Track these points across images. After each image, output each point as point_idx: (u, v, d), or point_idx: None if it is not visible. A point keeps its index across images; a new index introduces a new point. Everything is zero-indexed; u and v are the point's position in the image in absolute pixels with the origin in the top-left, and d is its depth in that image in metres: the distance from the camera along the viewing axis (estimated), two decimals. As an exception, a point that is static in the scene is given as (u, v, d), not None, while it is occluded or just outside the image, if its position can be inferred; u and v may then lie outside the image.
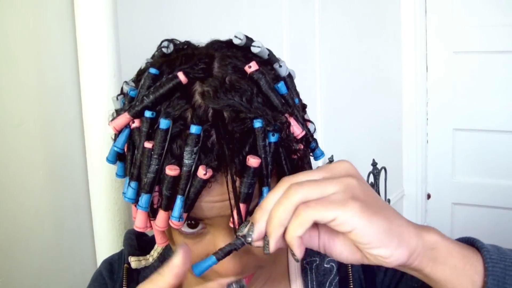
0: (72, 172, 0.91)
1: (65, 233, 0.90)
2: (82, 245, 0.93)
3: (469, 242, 0.52)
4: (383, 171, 1.82)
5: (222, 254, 0.49)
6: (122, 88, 0.60)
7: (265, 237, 0.46)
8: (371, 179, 1.77)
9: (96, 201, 0.91)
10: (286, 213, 0.44)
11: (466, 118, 2.44)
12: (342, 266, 0.67)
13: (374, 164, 1.78)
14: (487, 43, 2.34)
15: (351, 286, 0.65)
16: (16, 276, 0.84)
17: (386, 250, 0.44)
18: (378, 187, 1.79)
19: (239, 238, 0.48)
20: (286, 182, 0.46)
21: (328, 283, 0.66)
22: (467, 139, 2.46)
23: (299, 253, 0.45)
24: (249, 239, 0.46)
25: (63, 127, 0.88)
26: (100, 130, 0.87)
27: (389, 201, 2.01)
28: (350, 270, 0.66)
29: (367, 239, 0.43)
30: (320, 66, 1.70)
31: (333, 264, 0.67)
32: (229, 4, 1.29)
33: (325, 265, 0.67)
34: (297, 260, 0.46)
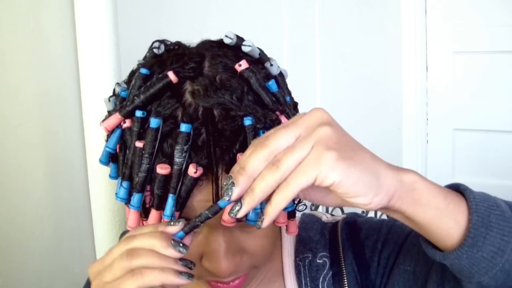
0: (72, 172, 0.91)
1: (65, 233, 0.90)
2: (82, 245, 0.93)
3: (454, 188, 0.52)
4: (383, 171, 1.82)
5: (189, 228, 0.49)
6: (114, 90, 0.60)
7: (236, 201, 0.45)
8: (371, 179, 1.77)
9: (96, 201, 0.91)
10: (270, 189, 0.44)
11: (466, 118, 2.44)
12: (335, 261, 0.67)
13: (374, 164, 1.77)
14: (487, 43, 2.34)
15: (345, 280, 0.66)
16: (17, 275, 0.84)
17: (365, 199, 0.44)
18: (378, 187, 1.80)
19: (205, 212, 0.47)
20: (266, 149, 0.44)
21: (321, 278, 0.66)
22: (467, 139, 2.46)
23: (267, 224, 0.45)
24: (227, 198, 0.45)
25: (63, 127, 0.88)
26: (100, 131, 0.87)
27: (389, 201, 2.01)
28: (343, 264, 0.67)
29: (346, 189, 0.43)
30: (320, 66, 1.70)
31: (326, 260, 0.67)
32: (230, 4, 1.29)
33: (318, 261, 0.68)
34: (258, 227, 0.45)
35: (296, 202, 0.60)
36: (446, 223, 0.48)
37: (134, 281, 0.46)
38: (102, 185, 0.90)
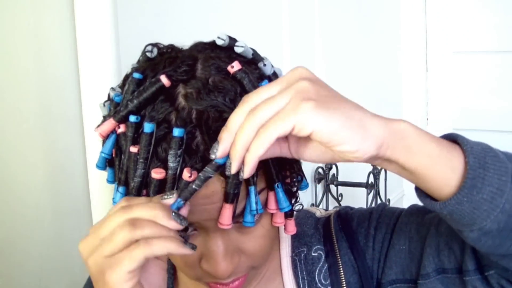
0: (72, 172, 0.91)
1: (65, 234, 0.90)
2: (82, 245, 0.93)
3: (446, 137, 0.51)
4: (383, 171, 1.82)
5: (187, 194, 0.49)
6: (108, 94, 0.60)
7: (227, 160, 0.47)
8: (371, 179, 1.77)
9: (96, 201, 0.91)
10: (249, 137, 0.45)
11: (466, 118, 2.44)
12: (330, 253, 0.67)
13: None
14: (487, 43, 2.34)
15: (341, 271, 0.66)
16: (17, 276, 0.84)
17: (352, 145, 0.44)
18: (378, 187, 1.79)
19: (203, 173, 0.48)
20: (247, 103, 0.46)
21: (317, 270, 0.67)
22: (467, 139, 2.46)
23: (248, 172, 0.46)
24: (213, 156, 0.46)
25: (63, 126, 0.88)
26: (100, 130, 0.87)
27: (389, 201, 2.01)
28: (338, 255, 0.67)
29: (327, 137, 0.43)
30: (319, 66, 1.70)
31: (321, 253, 0.68)
32: (230, 3, 1.29)
33: (313, 254, 0.68)
34: (241, 178, 0.47)
35: (293, 202, 0.60)
36: (441, 170, 0.47)
37: (140, 251, 0.46)
38: (102, 185, 0.90)
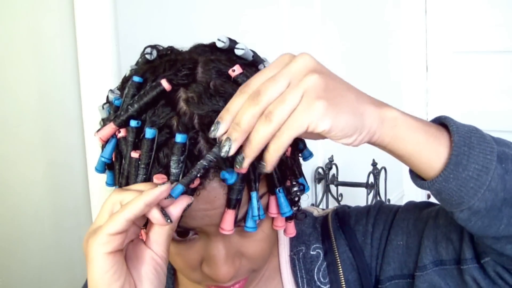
0: (72, 172, 0.91)
1: (65, 233, 0.90)
2: (82, 245, 0.93)
3: (437, 120, 0.53)
4: (383, 171, 1.82)
5: (188, 180, 0.49)
6: (107, 97, 0.59)
7: (238, 155, 0.47)
8: (371, 179, 1.77)
9: (96, 201, 0.91)
10: (266, 139, 0.45)
11: (466, 118, 2.44)
12: (328, 251, 0.68)
13: (374, 164, 1.77)
14: (487, 43, 2.34)
15: (340, 269, 0.66)
16: (16, 275, 0.84)
17: (350, 139, 0.47)
18: (378, 187, 1.79)
19: (202, 161, 0.48)
20: (258, 104, 0.46)
21: (316, 269, 0.67)
22: (467, 139, 2.46)
23: (270, 169, 0.46)
24: (224, 154, 0.46)
25: (63, 127, 0.88)
26: (100, 130, 0.87)
27: (389, 201, 2.01)
28: (337, 253, 0.67)
29: (335, 134, 0.46)
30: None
31: (319, 251, 0.68)
32: (230, 3, 1.29)
33: (311, 252, 0.68)
34: (262, 172, 0.47)
35: (295, 209, 0.60)
36: (426, 155, 0.49)
37: (121, 213, 0.47)
38: (102, 185, 0.90)
